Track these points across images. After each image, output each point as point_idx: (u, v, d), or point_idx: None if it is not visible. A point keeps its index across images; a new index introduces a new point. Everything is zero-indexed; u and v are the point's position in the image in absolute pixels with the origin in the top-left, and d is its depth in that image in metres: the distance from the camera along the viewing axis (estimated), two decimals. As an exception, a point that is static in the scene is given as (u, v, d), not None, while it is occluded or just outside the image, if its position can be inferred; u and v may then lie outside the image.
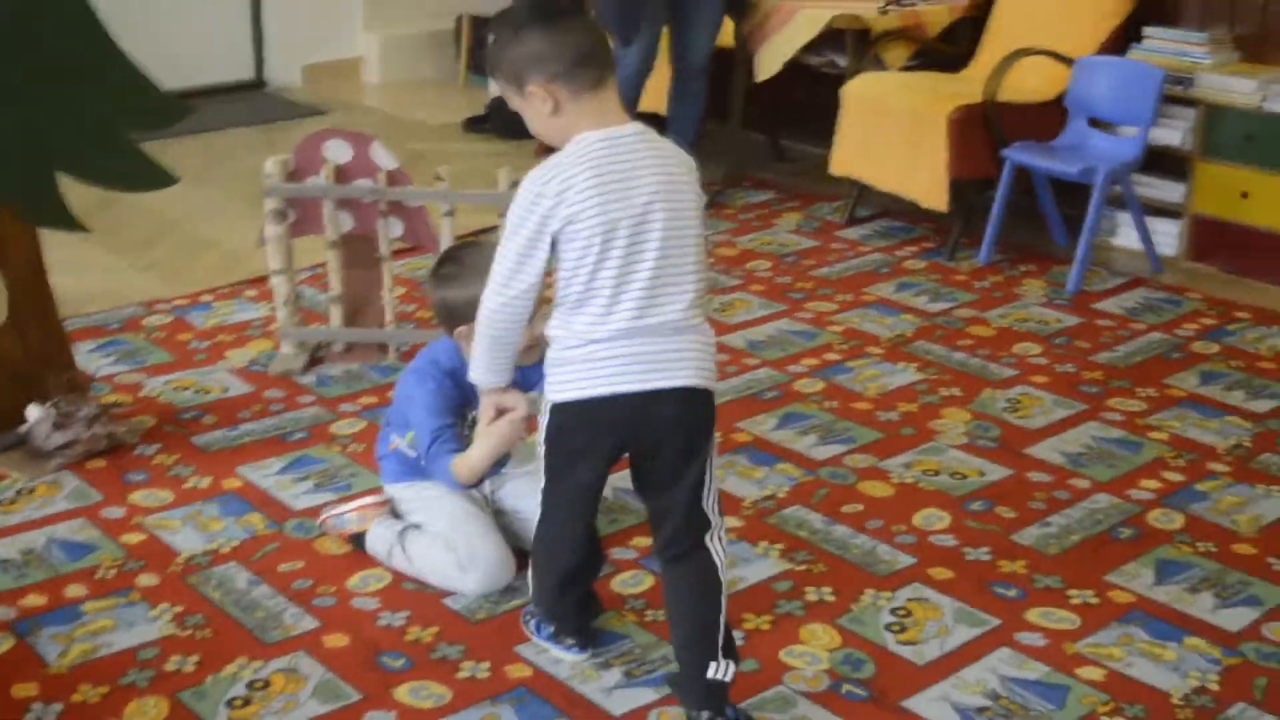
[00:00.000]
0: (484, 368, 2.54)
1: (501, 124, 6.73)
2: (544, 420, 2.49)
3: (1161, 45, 5.12)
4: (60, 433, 3.51)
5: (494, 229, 4.01)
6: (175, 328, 4.40)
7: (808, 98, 6.03)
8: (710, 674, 2.50)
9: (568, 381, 2.42)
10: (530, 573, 2.76)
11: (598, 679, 2.73)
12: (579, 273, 2.36)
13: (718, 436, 2.66)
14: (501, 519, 3.10)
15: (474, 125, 6.87)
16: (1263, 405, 3.97)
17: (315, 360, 4.15)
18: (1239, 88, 4.87)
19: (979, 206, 5.12)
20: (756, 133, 6.30)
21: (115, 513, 3.31)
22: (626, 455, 2.53)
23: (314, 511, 3.31)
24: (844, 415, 3.85)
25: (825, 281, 4.85)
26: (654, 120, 5.68)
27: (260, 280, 4.73)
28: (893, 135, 5.13)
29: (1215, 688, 2.73)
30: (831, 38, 5.53)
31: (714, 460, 2.50)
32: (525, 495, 3.09)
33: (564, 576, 2.69)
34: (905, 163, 5.10)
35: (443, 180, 4.05)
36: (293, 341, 4.15)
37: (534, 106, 2.39)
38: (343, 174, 4.02)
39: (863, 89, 5.29)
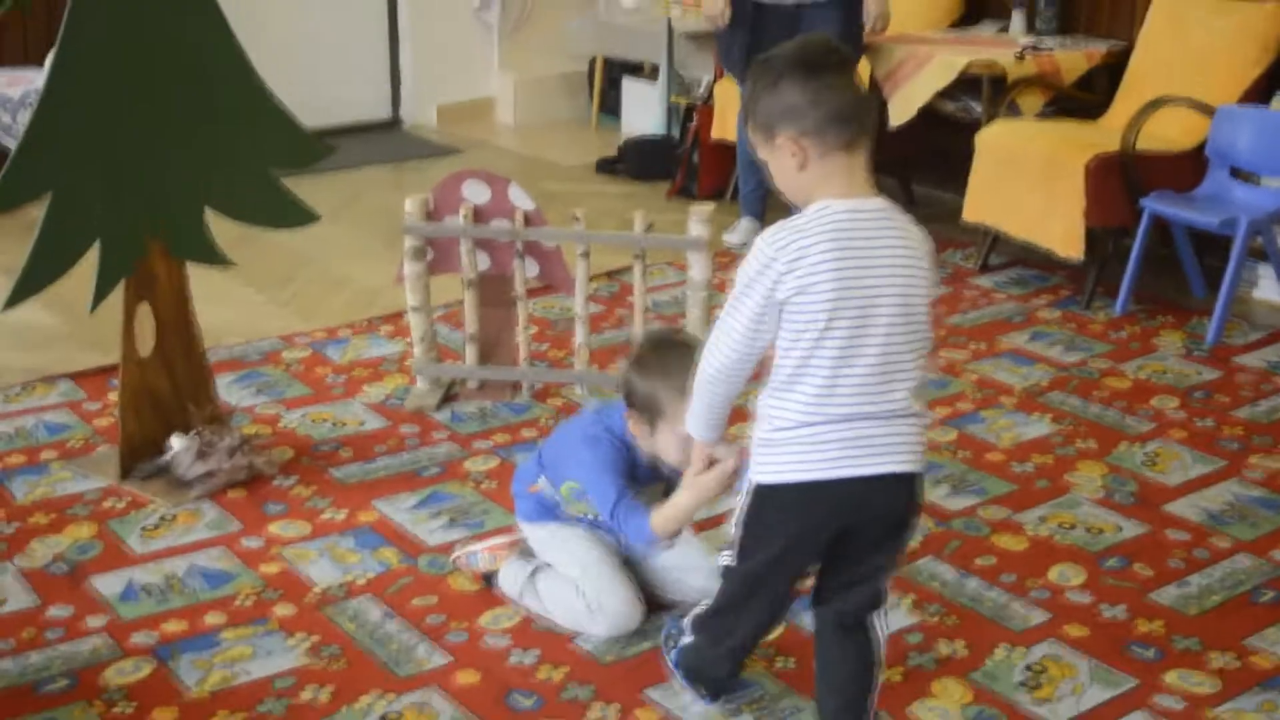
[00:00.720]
0: (702, 424, 2.50)
1: (634, 165, 6.79)
2: (745, 502, 2.45)
3: (1307, 95, 5.02)
4: (202, 462, 3.59)
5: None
6: (313, 362, 4.49)
7: (940, 144, 6.00)
8: None
9: (782, 463, 2.36)
10: (690, 624, 2.74)
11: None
12: (797, 347, 2.30)
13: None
14: (633, 567, 3.10)
15: (606, 167, 6.93)
16: None
17: (449, 397, 4.21)
18: (1388, 139, 4.75)
19: (1115, 256, 5.05)
20: (888, 177, 6.27)
21: (254, 543, 3.37)
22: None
23: (446, 548, 3.35)
24: (976, 466, 3.81)
25: (958, 330, 4.81)
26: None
27: (395, 317, 4.81)
28: (1027, 182, 5.08)
29: (1363, 760, 2.65)
30: (966, 84, 5.50)
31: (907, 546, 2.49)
32: (678, 554, 3.11)
33: (734, 652, 2.67)
34: (1040, 211, 5.05)
35: (579, 221, 4.09)
36: (428, 378, 4.20)
37: (781, 160, 2.34)
38: (480, 214, 4.08)
39: (998, 135, 5.26)
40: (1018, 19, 5.90)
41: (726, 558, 2.53)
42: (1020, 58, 5.41)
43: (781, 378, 2.33)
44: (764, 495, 2.40)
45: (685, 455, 2.73)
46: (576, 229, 4.09)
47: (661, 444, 2.83)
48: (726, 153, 6.21)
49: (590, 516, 3.05)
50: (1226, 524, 3.53)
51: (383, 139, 7.57)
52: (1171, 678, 2.89)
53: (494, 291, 4.18)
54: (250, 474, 3.65)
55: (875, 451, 2.33)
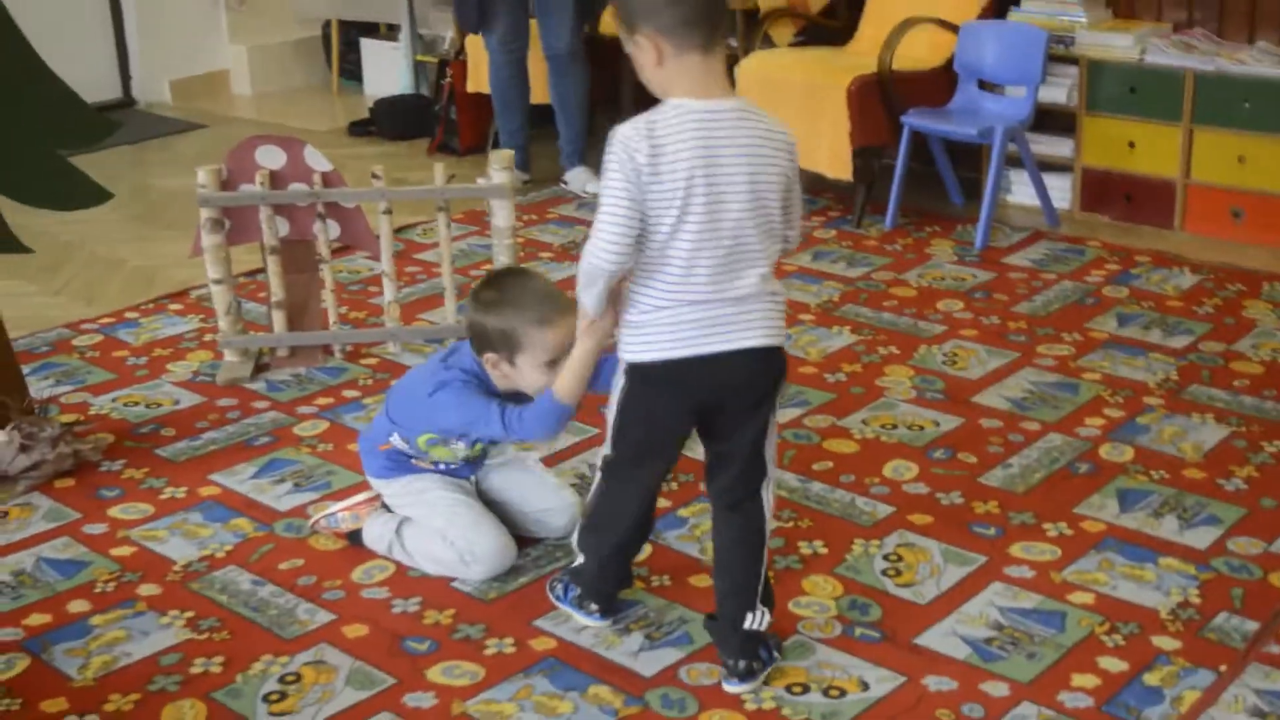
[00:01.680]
0: (592, 306, 2.57)
1: (388, 125, 6.74)
2: (618, 385, 2.57)
3: (1039, 7, 5.35)
4: (25, 455, 3.47)
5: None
6: (108, 346, 4.36)
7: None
8: (747, 624, 2.62)
9: (647, 343, 2.50)
10: (577, 542, 2.82)
11: (621, 644, 2.81)
12: (656, 235, 2.43)
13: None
14: (494, 510, 3.14)
15: (359, 129, 6.86)
16: (1180, 341, 4.19)
17: (260, 367, 4.15)
18: (1117, 43, 5.12)
19: (881, 173, 5.28)
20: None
21: (98, 529, 3.29)
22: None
23: (300, 511, 3.33)
24: (793, 380, 3.97)
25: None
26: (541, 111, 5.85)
27: (181, 294, 4.73)
28: (791, 109, 5.23)
29: (1198, 600, 2.90)
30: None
31: (776, 412, 2.61)
32: (511, 486, 3.19)
33: (617, 548, 2.77)
34: (806, 135, 5.18)
35: (379, 179, 4.07)
36: (237, 350, 4.13)
37: (641, 55, 2.44)
38: (277, 179, 4.02)
39: (757, 66, 5.42)
40: (757, -48, 6.06)
41: (604, 450, 2.65)
42: (770, -12, 5.58)
43: (647, 263, 2.47)
44: (632, 374, 2.55)
45: (549, 379, 2.81)
46: (378, 186, 4.08)
47: (525, 376, 2.89)
48: (484, 105, 6.22)
49: (453, 464, 3.08)
50: (1031, 409, 3.78)
51: (118, 119, 7.28)
52: (1016, 549, 3.10)
53: (296, 257, 4.14)
54: (76, 462, 3.55)
55: (729, 330, 2.49)
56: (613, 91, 6.09)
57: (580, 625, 2.86)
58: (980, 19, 5.33)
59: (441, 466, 3.11)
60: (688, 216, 2.42)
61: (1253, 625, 2.81)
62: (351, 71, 7.80)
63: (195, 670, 2.76)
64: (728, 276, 2.47)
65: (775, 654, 2.69)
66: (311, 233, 4.10)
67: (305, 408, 3.91)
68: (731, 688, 2.64)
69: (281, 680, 2.72)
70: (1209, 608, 2.88)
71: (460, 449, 3.04)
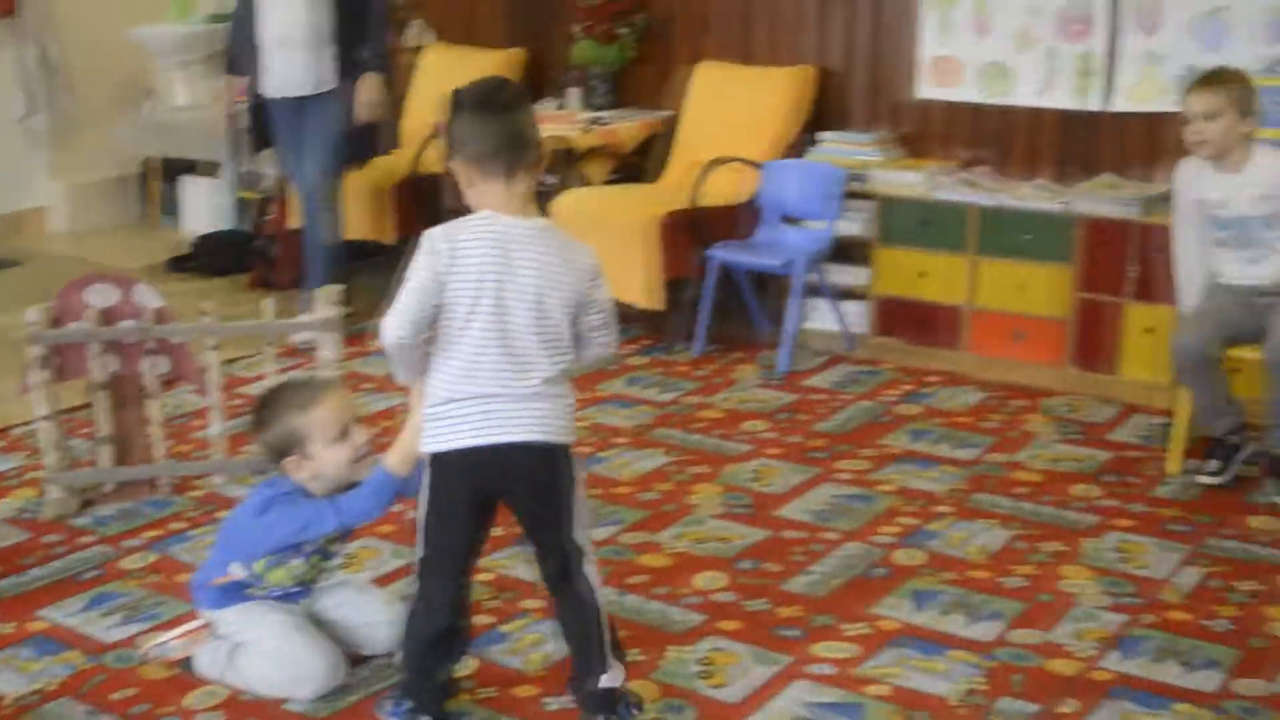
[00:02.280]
0: (403, 372, 2.87)
1: (206, 262, 6.85)
2: (423, 479, 2.85)
3: (836, 147, 5.72)
4: None
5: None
6: (-70, 485, 4.38)
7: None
8: (601, 683, 2.88)
9: (438, 434, 2.80)
10: (401, 651, 2.96)
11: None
12: (449, 329, 2.74)
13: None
14: (324, 630, 3.27)
15: (178, 265, 6.95)
16: (967, 454, 4.50)
17: (86, 502, 4.21)
18: (908, 180, 5.51)
19: (690, 304, 5.56)
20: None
21: (-74, 665, 3.33)
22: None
23: (129, 641, 3.41)
24: (608, 500, 4.18)
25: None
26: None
27: (1, 432, 4.76)
28: (606, 243, 5.43)
29: (984, 687, 3.15)
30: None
31: (577, 501, 2.88)
32: (344, 604, 3.32)
33: (434, 642, 2.93)
34: (620, 268, 5.47)
35: (208, 315, 4.21)
36: (63, 486, 4.19)
37: (459, 176, 2.80)
38: (109, 315, 4.13)
39: (574, 203, 5.70)
40: (574, 96, 6.39)
41: (417, 552, 2.89)
42: (586, 130, 5.88)
43: (441, 354, 2.78)
44: (430, 466, 2.83)
45: (354, 455, 3.07)
46: (205, 322, 4.21)
47: (325, 460, 3.09)
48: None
49: (292, 587, 3.22)
50: (831, 519, 4.03)
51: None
52: (818, 649, 3.32)
53: (123, 392, 4.23)
54: (-98, 600, 3.58)
55: (508, 424, 2.78)
56: (434, 222, 6.28)
57: (412, 737, 2.99)
58: (781, 158, 5.68)
59: (277, 592, 3.23)
60: (475, 314, 2.73)
61: (1032, 708, 3.07)
62: (169, 208, 7.89)
63: (30, 796, 2.82)
64: (511, 375, 2.76)
65: (634, 711, 2.93)
66: (139, 368, 4.20)
67: (132, 541, 3.98)
68: None
69: (118, 801, 2.80)
70: (993, 693, 3.13)
71: (298, 567, 3.18)
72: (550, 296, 2.78)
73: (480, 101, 2.78)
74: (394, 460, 3.02)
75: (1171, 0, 5.22)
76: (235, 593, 3.22)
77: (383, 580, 3.63)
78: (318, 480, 3.12)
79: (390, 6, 5.72)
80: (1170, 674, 3.21)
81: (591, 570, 2.92)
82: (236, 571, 3.19)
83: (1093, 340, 5.21)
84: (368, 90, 5.57)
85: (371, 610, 3.30)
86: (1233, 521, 3.99)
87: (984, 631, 3.40)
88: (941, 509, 4.10)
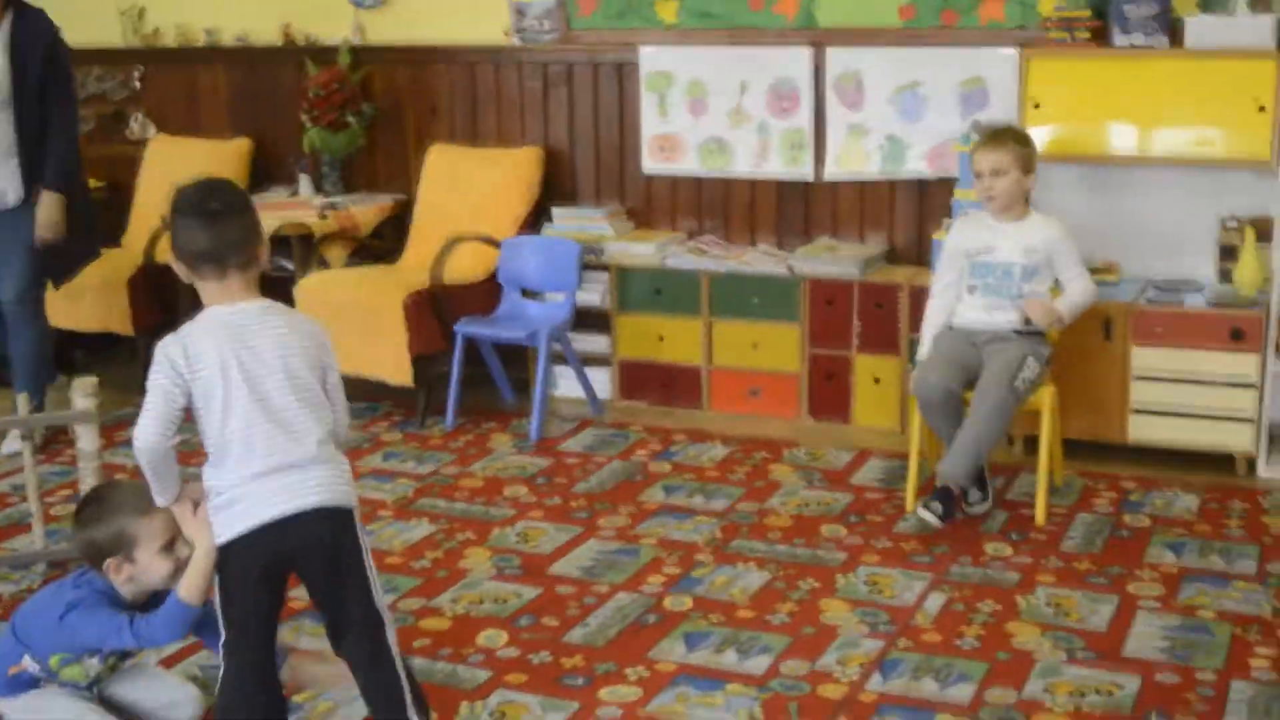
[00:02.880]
0: (163, 492, 2.96)
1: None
2: (218, 576, 2.87)
3: (569, 222, 5.96)
4: None
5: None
6: None
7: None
8: None
9: (223, 526, 2.87)
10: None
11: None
12: (211, 424, 2.85)
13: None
14: (119, 712, 3.27)
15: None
16: (720, 504, 4.75)
17: None
18: (641, 251, 5.78)
19: (439, 378, 5.68)
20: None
21: None
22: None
23: (-95, 741, 3.33)
24: (383, 569, 4.24)
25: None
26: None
27: None
28: (352, 324, 5.60)
29: (760, 717, 3.36)
30: (275, 244, 5.96)
31: (369, 567, 2.96)
32: (137, 686, 3.36)
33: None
34: (369, 347, 5.59)
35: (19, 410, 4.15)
36: None
37: (179, 272, 2.95)
38: None
39: (316, 286, 5.77)
40: (305, 182, 6.47)
41: (222, 635, 2.94)
42: (323, 216, 5.97)
43: (214, 454, 2.89)
44: (222, 556, 2.90)
45: (176, 568, 3.06)
46: (15, 416, 4.14)
47: (149, 570, 3.11)
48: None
49: (83, 683, 3.21)
50: (600, 574, 4.21)
51: None
52: (604, 694, 3.48)
53: None
54: None
55: (296, 492, 2.88)
56: (170, 318, 6.25)
57: (215, 810, 3.02)
58: (518, 234, 5.88)
59: (69, 687, 3.22)
60: (232, 401, 2.84)
61: (808, 731, 3.30)
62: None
63: None
64: (286, 444, 2.88)
65: None
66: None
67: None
68: None
69: None
70: (771, 721, 3.35)
71: (94, 666, 3.18)
72: (295, 360, 2.93)
73: (191, 208, 2.92)
74: (187, 589, 3.04)
75: (871, 77, 5.63)
76: (26, 682, 3.19)
77: (168, 661, 3.63)
78: (133, 584, 3.14)
79: (75, 120, 5.55)
80: (928, 690, 3.48)
81: (393, 635, 3.01)
82: (29, 664, 3.17)
83: (825, 392, 5.55)
84: (45, 210, 5.37)
85: (166, 691, 3.33)
86: (969, 550, 4.32)
87: (755, 665, 3.62)
88: (702, 557, 4.32)
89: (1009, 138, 4.62)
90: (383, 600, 3.01)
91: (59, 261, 5.57)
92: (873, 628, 3.82)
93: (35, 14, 5.30)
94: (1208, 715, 3.34)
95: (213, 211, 2.91)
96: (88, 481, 4.23)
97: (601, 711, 3.40)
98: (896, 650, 3.69)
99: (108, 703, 3.28)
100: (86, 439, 4.22)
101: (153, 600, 3.16)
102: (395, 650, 3.02)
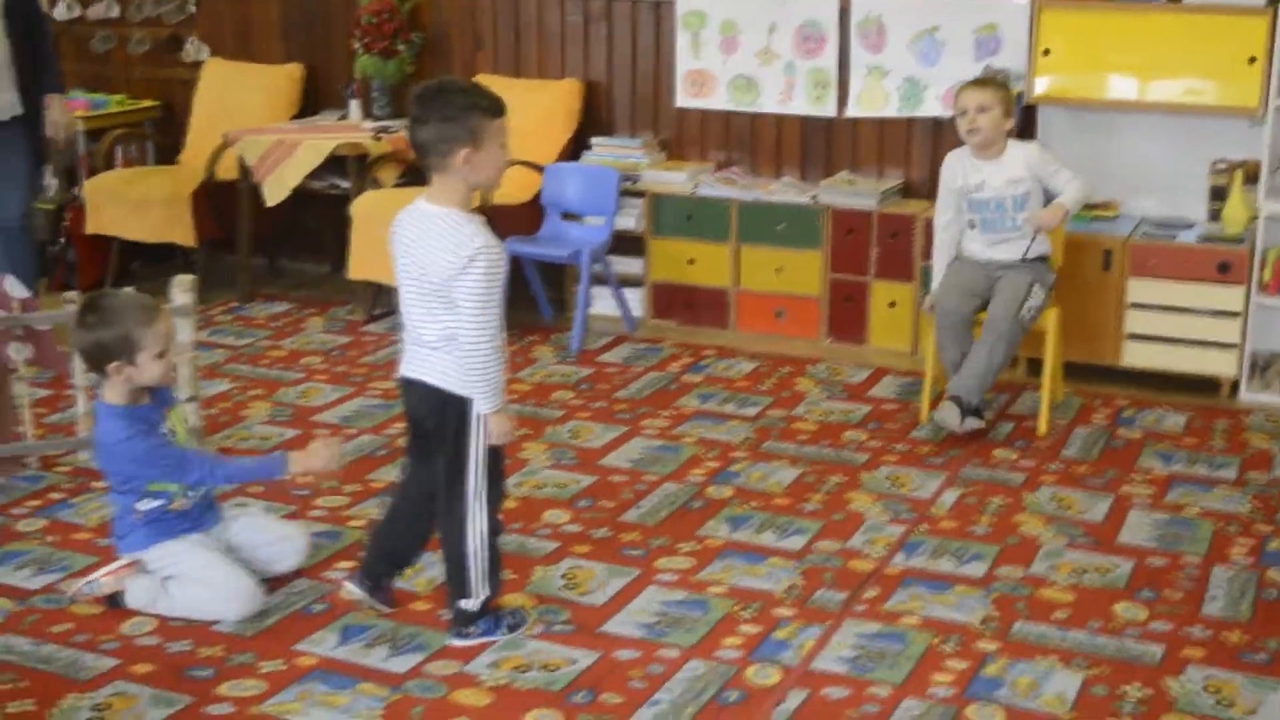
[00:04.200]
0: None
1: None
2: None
3: (607, 151, 6.38)
4: None
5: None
6: None
7: (302, 221, 6.85)
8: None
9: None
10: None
11: (370, 654, 3.46)
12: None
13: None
14: (238, 555, 3.74)
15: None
16: (750, 411, 5.21)
17: (-42, 480, 4.52)
18: (674, 179, 6.21)
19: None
20: (258, 257, 6.97)
21: None
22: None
23: (51, 588, 3.79)
24: (450, 458, 4.70)
25: (377, 366, 5.69)
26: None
27: None
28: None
29: (801, 584, 3.85)
30: (330, 163, 6.39)
31: (467, 459, 3.46)
32: (249, 528, 3.85)
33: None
34: (419, 262, 6.00)
35: (73, 302, 4.57)
36: (-64, 465, 4.49)
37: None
38: (-24, 307, 4.45)
39: (370, 203, 6.18)
40: (355, 107, 6.86)
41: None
42: (377, 138, 6.38)
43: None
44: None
45: (167, 372, 3.65)
46: (71, 310, 4.56)
47: (146, 371, 3.61)
48: (101, 245, 6.71)
49: (192, 496, 3.69)
50: (647, 466, 4.67)
51: None
52: (660, 563, 3.95)
53: (-11, 377, 4.55)
54: None
55: (407, 362, 3.43)
56: (229, 231, 6.68)
57: (334, 645, 3.49)
58: (558, 161, 6.31)
59: (191, 510, 3.69)
60: (398, 275, 3.40)
61: (842, 595, 3.77)
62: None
63: (11, 711, 3.20)
64: (413, 324, 3.39)
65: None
66: (4, 355, 4.53)
67: (18, 510, 4.32)
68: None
69: (95, 709, 3.22)
70: (810, 587, 3.83)
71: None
72: (429, 264, 3.39)
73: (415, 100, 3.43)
74: (298, 464, 3.57)
75: (893, 22, 6.05)
76: (159, 529, 3.65)
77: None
78: (128, 384, 3.61)
79: (50, 32, 5.83)
80: (946, 567, 3.96)
81: (476, 515, 3.51)
82: (146, 504, 3.62)
83: (844, 315, 6.01)
84: (56, 111, 5.73)
85: (277, 529, 3.83)
86: (978, 455, 4.80)
87: (792, 544, 4.10)
88: (737, 454, 4.78)
89: (992, 81, 5.05)
90: (471, 486, 3.44)
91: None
92: (895, 515, 4.30)
93: None
94: (1193, 593, 3.83)
95: (417, 107, 3.37)
96: (183, 371, 4.67)
97: (659, 577, 3.88)
98: (917, 534, 4.17)
99: (227, 545, 3.74)
100: (184, 331, 4.64)
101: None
102: (466, 532, 3.45)
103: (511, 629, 3.56)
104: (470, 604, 3.51)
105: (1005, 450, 4.85)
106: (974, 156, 5.04)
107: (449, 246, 3.27)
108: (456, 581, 3.51)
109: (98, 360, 3.59)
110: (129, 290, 3.84)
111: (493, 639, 3.52)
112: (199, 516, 3.74)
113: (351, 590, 3.64)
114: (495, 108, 3.36)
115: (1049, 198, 5.01)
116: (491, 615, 3.54)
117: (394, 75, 6.79)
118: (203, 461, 3.65)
